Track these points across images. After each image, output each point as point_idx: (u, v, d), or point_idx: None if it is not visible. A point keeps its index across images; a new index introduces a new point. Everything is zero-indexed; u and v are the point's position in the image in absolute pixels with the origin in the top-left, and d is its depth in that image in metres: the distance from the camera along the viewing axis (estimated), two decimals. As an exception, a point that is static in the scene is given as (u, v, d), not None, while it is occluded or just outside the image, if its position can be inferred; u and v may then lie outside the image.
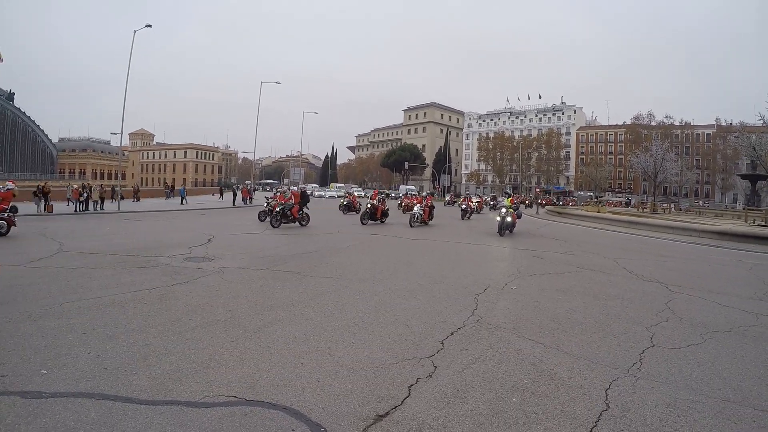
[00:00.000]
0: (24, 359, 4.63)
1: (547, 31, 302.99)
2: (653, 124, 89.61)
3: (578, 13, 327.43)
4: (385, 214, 25.26)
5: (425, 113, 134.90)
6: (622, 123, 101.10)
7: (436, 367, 4.85)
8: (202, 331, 5.78)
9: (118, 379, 4.26)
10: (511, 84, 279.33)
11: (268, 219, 21.83)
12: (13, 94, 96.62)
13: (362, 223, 23.57)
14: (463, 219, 31.07)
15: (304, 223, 21.59)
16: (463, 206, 32.92)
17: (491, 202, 51.49)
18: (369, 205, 24.59)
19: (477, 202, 44.22)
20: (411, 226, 22.48)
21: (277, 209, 21.01)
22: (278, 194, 26.45)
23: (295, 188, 23.60)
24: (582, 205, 61.20)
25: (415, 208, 24.21)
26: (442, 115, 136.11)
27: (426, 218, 24.00)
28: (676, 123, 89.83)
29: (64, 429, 3.38)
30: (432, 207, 25.34)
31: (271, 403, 3.91)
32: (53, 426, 3.42)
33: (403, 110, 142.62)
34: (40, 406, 3.70)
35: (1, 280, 8.19)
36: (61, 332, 5.50)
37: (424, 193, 46.56)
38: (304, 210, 21.86)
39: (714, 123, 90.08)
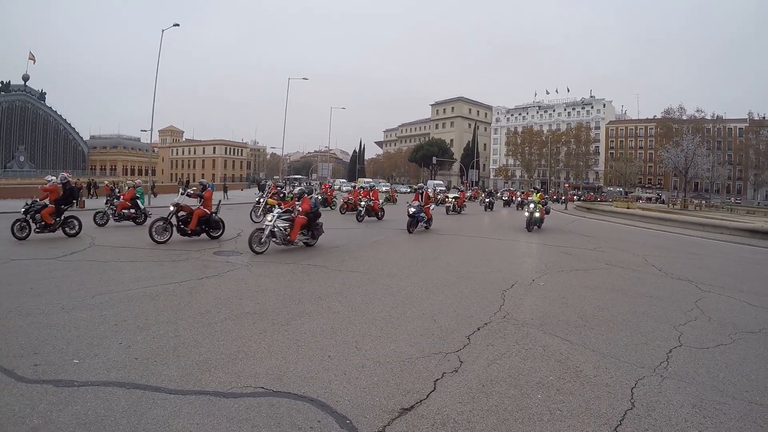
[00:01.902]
0: (57, 349, 4.77)
1: (570, 23, 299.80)
2: (684, 118, 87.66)
3: (600, 6, 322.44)
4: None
5: (453, 108, 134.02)
6: (652, 117, 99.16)
7: (462, 362, 4.85)
8: (231, 323, 5.88)
9: (148, 369, 4.36)
10: (537, 77, 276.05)
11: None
12: (45, 93, 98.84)
13: None
14: (410, 232, 17.37)
15: (72, 230, 13.97)
16: (412, 210, 17.75)
17: (486, 199, 37.39)
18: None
19: (454, 197, 31.44)
20: (254, 252, 11.34)
21: (21, 210, 13.57)
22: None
23: (53, 179, 14.17)
24: (613, 200, 60.10)
25: (269, 217, 12.21)
26: (470, 109, 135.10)
27: (294, 236, 12.24)
28: (708, 117, 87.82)
29: (95, 416, 3.48)
30: (314, 212, 12.95)
31: (298, 394, 3.97)
32: (84, 413, 3.52)
33: (431, 105, 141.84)
34: (72, 394, 3.81)
35: (35, 273, 8.41)
36: (93, 323, 5.64)
37: (360, 186, 36.36)
38: (64, 212, 14.00)
39: (746, 117, 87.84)
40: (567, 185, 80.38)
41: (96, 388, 3.95)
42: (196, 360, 4.62)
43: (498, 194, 58.01)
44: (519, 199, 41.52)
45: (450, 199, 31.07)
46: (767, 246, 17.65)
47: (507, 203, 44.69)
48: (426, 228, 18.62)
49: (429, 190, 23.51)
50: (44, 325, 5.51)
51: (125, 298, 6.91)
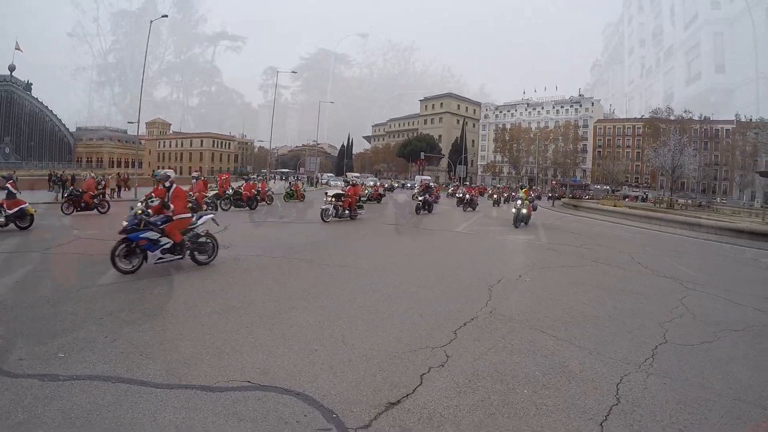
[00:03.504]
0: (42, 343, 4.72)
1: (561, 21, 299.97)
2: (672, 118, 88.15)
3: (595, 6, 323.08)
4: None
5: (442, 103, 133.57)
6: (640, 116, 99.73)
7: (448, 356, 4.87)
8: (217, 317, 5.85)
9: (134, 363, 4.34)
10: (527, 73, 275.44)
11: None
12: (31, 84, 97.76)
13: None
14: (118, 268, 8.00)
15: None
16: (124, 224, 8.48)
17: (420, 197, 25.65)
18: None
19: (334, 196, 18.93)
20: None
21: None
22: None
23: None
24: (599, 199, 60.12)
25: None
26: (458, 105, 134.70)
27: None
28: (695, 118, 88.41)
29: (80, 411, 3.46)
30: None
31: (284, 388, 3.96)
32: (70, 408, 3.50)
33: (420, 100, 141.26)
34: (57, 389, 3.78)
35: (19, 267, 8.32)
36: (78, 317, 5.58)
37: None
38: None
39: (733, 118, 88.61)
40: (555, 183, 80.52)
41: (82, 382, 3.92)
42: (182, 354, 4.59)
43: (450, 189, 47.29)
44: (468, 197, 30.62)
45: (329, 199, 18.62)
46: (751, 246, 17.83)
47: (461, 201, 31.41)
48: (205, 262, 9.07)
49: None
50: (29, 318, 5.46)
51: (111, 291, 6.85)
